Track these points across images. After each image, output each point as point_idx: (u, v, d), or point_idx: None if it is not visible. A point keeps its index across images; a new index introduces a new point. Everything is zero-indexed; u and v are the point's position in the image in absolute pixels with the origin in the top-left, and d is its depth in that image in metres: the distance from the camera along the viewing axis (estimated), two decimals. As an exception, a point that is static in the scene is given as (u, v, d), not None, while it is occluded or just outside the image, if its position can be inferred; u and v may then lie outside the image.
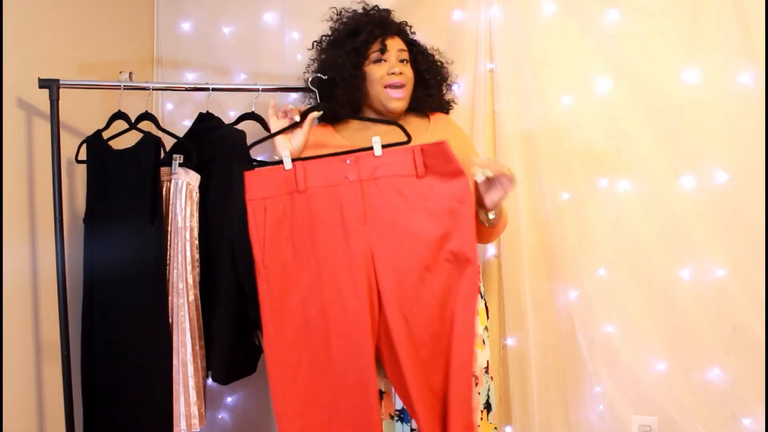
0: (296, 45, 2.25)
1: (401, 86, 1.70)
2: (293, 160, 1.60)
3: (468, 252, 1.54)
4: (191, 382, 1.72)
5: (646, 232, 1.98)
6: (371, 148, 1.57)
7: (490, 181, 1.57)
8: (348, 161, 1.57)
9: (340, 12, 1.81)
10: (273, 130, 1.68)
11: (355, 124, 1.78)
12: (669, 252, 1.96)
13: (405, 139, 1.58)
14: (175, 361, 1.72)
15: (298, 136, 1.67)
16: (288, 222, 1.59)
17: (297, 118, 1.66)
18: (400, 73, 1.70)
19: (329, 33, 1.82)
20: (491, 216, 1.63)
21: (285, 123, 1.68)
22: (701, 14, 1.92)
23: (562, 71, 2.03)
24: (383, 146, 1.57)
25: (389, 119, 1.61)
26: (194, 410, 1.73)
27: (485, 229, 1.70)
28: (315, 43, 1.85)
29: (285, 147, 1.64)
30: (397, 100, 1.70)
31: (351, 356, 1.54)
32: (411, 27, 1.84)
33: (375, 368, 1.52)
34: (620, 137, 1.99)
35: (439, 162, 1.54)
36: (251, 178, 1.59)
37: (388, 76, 1.70)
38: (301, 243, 1.59)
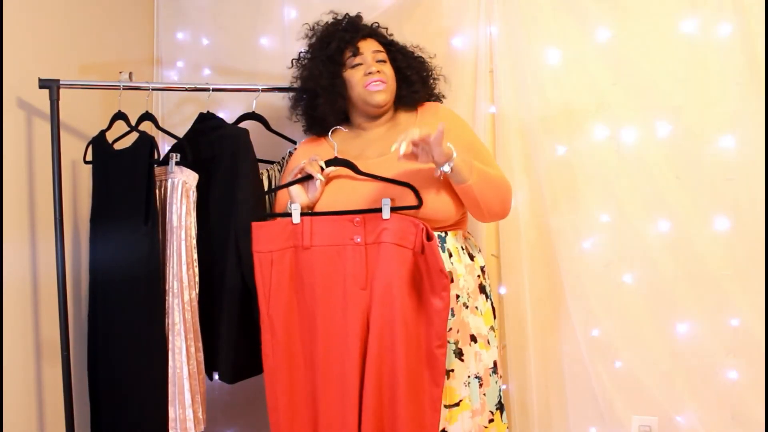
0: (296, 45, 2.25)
1: (381, 82, 1.70)
2: (302, 214, 1.60)
3: (435, 349, 1.54)
4: (186, 385, 1.71)
5: (646, 232, 1.98)
6: (381, 210, 1.56)
7: (421, 149, 1.51)
8: (357, 220, 1.56)
9: (313, 27, 1.82)
10: (290, 179, 1.67)
11: (343, 134, 1.77)
12: (669, 252, 1.96)
13: (416, 203, 1.58)
14: (170, 363, 1.72)
15: (315, 189, 1.65)
16: (292, 275, 1.61)
17: (320, 177, 1.63)
18: (378, 72, 1.70)
19: (306, 50, 1.83)
20: (448, 168, 1.53)
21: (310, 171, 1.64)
22: (701, 14, 1.92)
23: (562, 71, 2.03)
24: (393, 209, 1.56)
25: (401, 181, 1.59)
26: (189, 414, 1.71)
27: (469, 193, 1.58)
28: (293, 61, 1.85)
29: (297, 199, 1.64)
30: (378, 92, 1.69)
31: (336, 418, 1.55)
32: (387, 29, 1.83)
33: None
34: (620, 137, 1.99)
35: (430, 256, 1.54)
36: (258, 230, 1.61)
37: (366, 76, 1.69)
38: (302, 298, 1.61)
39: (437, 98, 1.86)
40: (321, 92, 1.73)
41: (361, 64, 1.71)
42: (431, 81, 1.82)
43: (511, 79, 2.04)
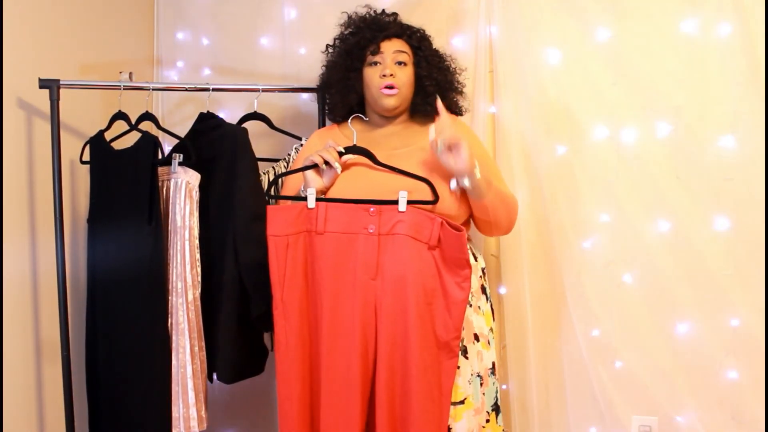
0: (296, 45, 2.25)
1: (394, 87, 1.67)
2: (318, 200, 1.59)
3: (451, 341, 1.54)
4: (190, 384, 1.71)
5: (646, 232, 1.98)
6: (397, 202, 1.55)
7: (449, 151, 1.54)
8: (372, 209, 1.56)
9: (351, 16, 1.80)
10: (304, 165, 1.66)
11: (360, 125, 1.76)
12: (669, 252, 1.96)
13: (432, 198, 1.57)
14: (173, 362, 1.72)
15: (330, 174, 1.64)
16: (305, 259, 1.60)
17: (338, 165, 1.61)
18: (391, 75, 1.67)
19: (337, 38, 1.81)
20: (468, 184, 1.57)
21: (329, 158, 1.62)
22: (701, 14, 1.92)
23: (562, 71, 2.03)
24: (409, 202, 1.55)
25: (418, 176, 1.59)
26: (193, 412, 1.72)
27: (483, 208, 1.63)
28: (327, 46, 1.83)
29: (312, 183, 1.63)
30: (389, 97, 1.68)
31: (339, 412, 1.55)
32: (422, 30, 1.79)
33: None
34: (620, 137, 1.99)
35: (452, 248, 1.53)
36: (274, 213, 1.59)
37: (380, 78, 1.68)
38: (312, 283, 1.60)
39: (456, 112, 1.80)
40: (333, 84, 1.76)
41: (379, 63, 1.70)
42: (451, 94, 1.77)
43: (511, 79, 2.04)
